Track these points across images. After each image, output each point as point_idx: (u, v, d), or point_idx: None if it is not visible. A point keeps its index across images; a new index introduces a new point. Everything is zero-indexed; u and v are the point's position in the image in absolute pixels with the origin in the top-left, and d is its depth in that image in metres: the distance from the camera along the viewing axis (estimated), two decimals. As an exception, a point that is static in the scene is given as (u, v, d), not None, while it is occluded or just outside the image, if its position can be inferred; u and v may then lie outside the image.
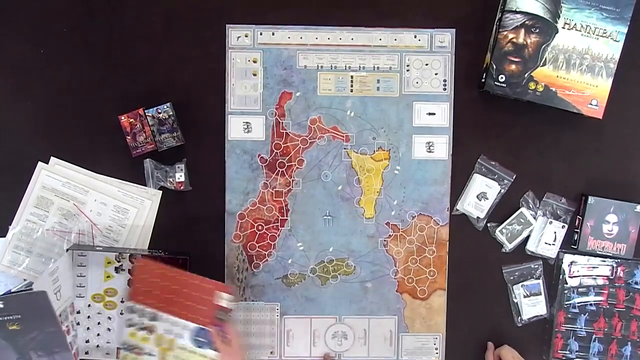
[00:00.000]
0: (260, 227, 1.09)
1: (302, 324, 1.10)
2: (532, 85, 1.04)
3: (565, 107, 1.04)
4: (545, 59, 1.03)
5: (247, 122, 1.08)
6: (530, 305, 1.08)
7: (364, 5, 1.08)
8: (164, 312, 0.99)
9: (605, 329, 1.09)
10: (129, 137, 1.04)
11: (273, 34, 1.08)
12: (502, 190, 1.08)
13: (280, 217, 1.09)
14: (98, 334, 1.06)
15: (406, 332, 1.10)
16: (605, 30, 1.03)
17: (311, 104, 1.09)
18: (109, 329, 1.06)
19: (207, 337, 0.97)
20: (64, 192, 1.07)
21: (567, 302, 1.09)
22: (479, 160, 1.09)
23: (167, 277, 0.98)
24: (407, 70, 1.09)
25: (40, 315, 0.93)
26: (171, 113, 1.04)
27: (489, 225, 1.09)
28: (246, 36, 1.08)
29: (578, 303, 1.09)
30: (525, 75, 1.04)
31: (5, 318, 0.92)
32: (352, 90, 1.09)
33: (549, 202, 1.09)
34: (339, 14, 1.08)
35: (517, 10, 1.02)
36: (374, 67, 1.09)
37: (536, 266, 1.10)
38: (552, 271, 1.10)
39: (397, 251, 1.10)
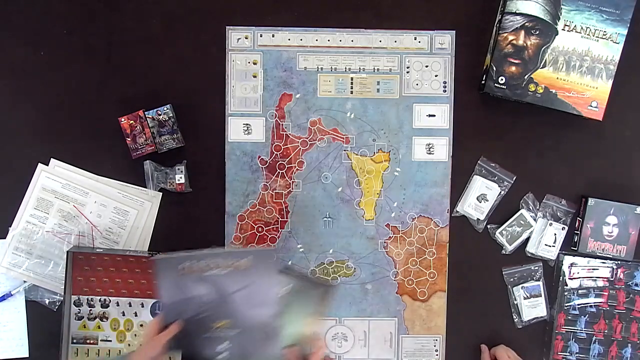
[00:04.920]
0: (260, 229, 1.09)
1: None
2: (532, 87, 1.04)
3: (565, 108, 1.04)
4: (545, 60, 1.03)
5: (247, 124, 1.08)
6: (530, 307, 1.08)
7: (364, 7, 1.08)
8: (115, 297, 1.03)
9: (606, 331, 1.09)
10: (129, 139, 1.04)
11: (273, 35, 1.08)
12: (502, 192, 1.08)
13: (280, 219, 1.09)
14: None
15: (406, 334, 1.10)
16: (605, 32, 1.03)
17: (311, 106, 1.09)
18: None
19: None
20: (64, 193, 1.07)
21: (567, 304, 1.09)
22: (479, 161, 1.09)
23: (112, 264, 1.02)
24: (407, 72, 1.09)
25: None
26: (171, 115, 1.04)
27: (489, 227, 1.09)
28: (246, 38, 1.08)
29: (578, 305, 1.09)
30: (525, 77, 1.04)
31: None
32: (352, 92, 1.09)
33: (549, 203, 1.09)
34: (339, 16, 1.08)
35: (517, 12, 1.02)
36: (374, 68, 1.09)
37: (536, 268, 1.09)
38: (552, 273, 1.10)
39: (397, 253, 1.10)
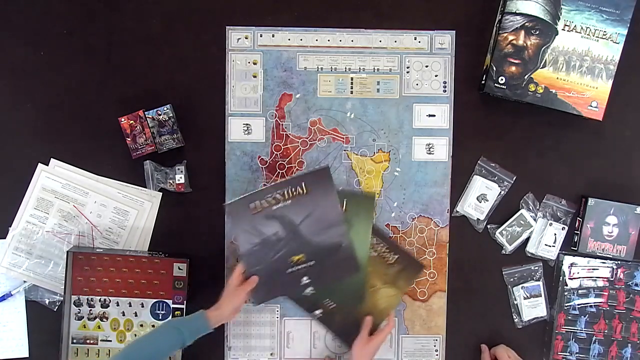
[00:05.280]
0: (260, 229, 1.10)
1: (302, 326, 1.09)
2: (532, 87, 1.04)
3: (565, 108, 1.04)
4: (545, 60, 1.03)
5: (247, 124, 1.08)
6: (530, 306, 1.08)
7: (364, 7, 1.08)
8: (115, 297, 1.03)
9: (606, 331, 1.09)
10: (129, 139, 1.04)
11: (273, 35, 1.08)
12: (502, 192, 1.08)
13: (281, 219, 1.09)
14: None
15: (406, 334, 1.10)
16: (605, 32, 1.03)
17: (311, 106, 1.09)
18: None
19: (166, 308, 1.04)
20: (64, 193, 1.07)
21: (567, 304, 1.09)
22: (479, 161, 1.09)
23: (112, 264, 1.03)
24: (407, 72, 1.09)
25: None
26: (171, 115, 1.04)
27: (489, 227, 1.09)
28: (246, 38, 1.08)
29: (578, 305, 1.09)
30: (525, 77, 1.04)
31: None
32: (352, 92, 1.09)
33: (549, 203, 1.09)
34: (339, 16, 1.08)
35: (517, 12, 1.02)
36: (374, 68, 1.09)
37: (536, 268, 1.09)
38: (552, 273, 1.10)
39: (397, 253, 1.09)
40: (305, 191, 1.00)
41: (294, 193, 1.00)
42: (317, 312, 1.06)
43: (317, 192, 1.00)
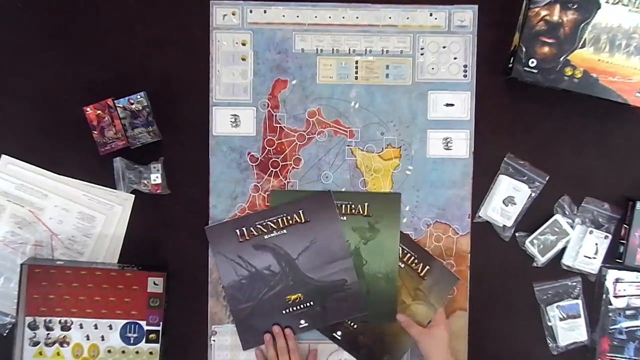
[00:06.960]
0: (249, 237, 1.07)
1: (300, 349, 1.03)
2: (568, 71, 0.98)
3: (609, 96, 0.98)
4: (585, 39, 0.97)
5: (234, 115, 1.03)
6: (568, 329, 1.02)
7: (370, -23, 1.04)
8: (79, 317, 0.97)
9: (660, 360, 1.03)
10: (95, 132, 0.98)
11: (265, 11, 1.03)
12: (533, 194, 1.03)
13: (274, 225, 1.07)
14: None
15: (421, 361, 1.05)
16: (658, 3, 0.98)
17: (309, 94, 1.04)
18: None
19: (139, 331, 0.98)
20: (17, 196, 1.01)
21: (612, 327, 1.02)
22: (505, 159, 1.04)
23: (76, 279, 0.97)
24: (422, 54, 1.04)
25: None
26: (146, 104, 0.98)
27: (517, 235, 1.04)
28: (233, 14, 1.03)
29: (625, 328, 1.02)
30: (561, 59, 0.97)
31: None
32: (356, 78, 1.04)
33: (589, 208, 1.03)
34: (342, -11, 1.03)
35: (552, -19, 0.98)
36: (382, 50, 1.03)
37: (574, 283, 1.03)
38: (593, 290, 1.04)
39: (410, 265, 1.06)
40: (303, 219, 0.98)
41: (291, 221, 0.98)
42: (337, 333, 1.01)
43: (317, 220, 0.99)
